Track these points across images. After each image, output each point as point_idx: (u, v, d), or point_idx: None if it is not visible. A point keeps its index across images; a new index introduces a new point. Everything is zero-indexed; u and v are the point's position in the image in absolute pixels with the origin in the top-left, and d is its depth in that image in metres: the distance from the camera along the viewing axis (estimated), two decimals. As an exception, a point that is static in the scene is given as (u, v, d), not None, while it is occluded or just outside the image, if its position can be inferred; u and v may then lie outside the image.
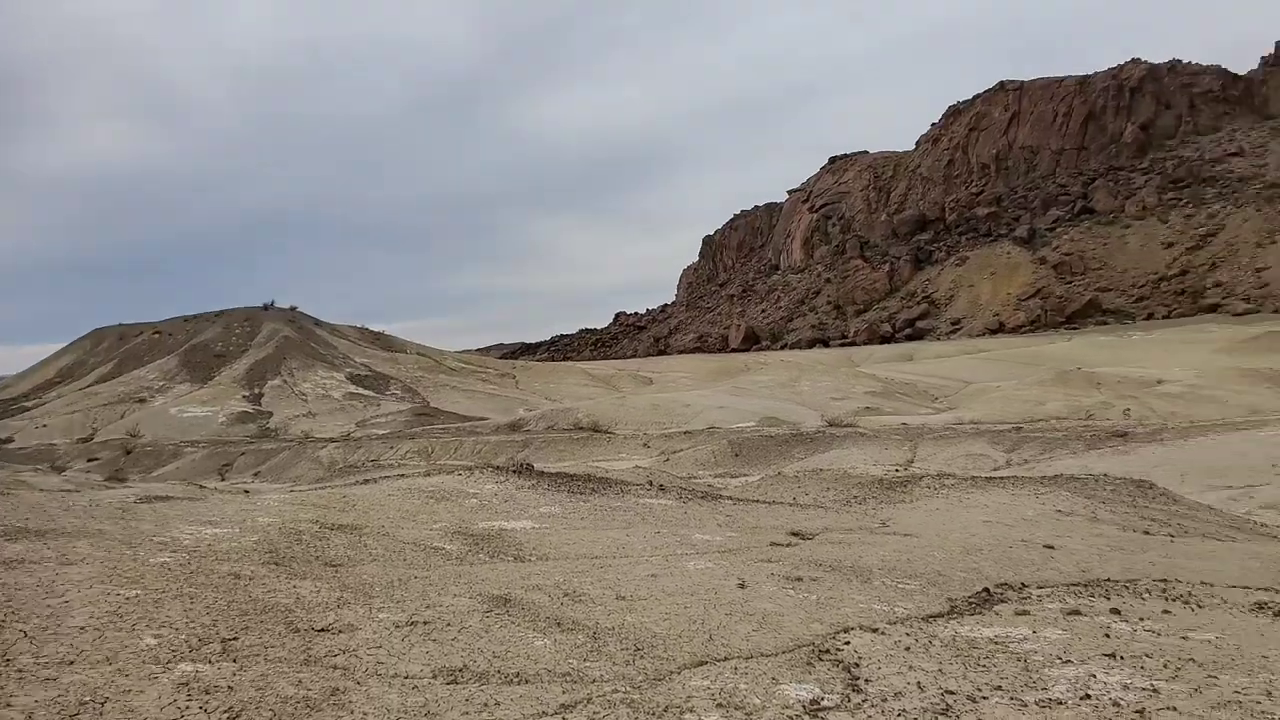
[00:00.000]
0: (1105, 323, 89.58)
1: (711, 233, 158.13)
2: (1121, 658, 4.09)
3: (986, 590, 6.13)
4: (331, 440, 35.77)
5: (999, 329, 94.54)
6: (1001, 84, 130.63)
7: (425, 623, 4.64)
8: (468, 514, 9.17)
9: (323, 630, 4.44)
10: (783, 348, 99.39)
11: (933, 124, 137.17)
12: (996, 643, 4.53)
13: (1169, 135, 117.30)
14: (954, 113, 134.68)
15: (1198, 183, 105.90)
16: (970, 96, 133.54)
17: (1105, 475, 11.95)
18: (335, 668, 3.92)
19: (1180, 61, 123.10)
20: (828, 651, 4.48)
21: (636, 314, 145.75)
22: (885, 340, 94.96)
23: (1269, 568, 7.74)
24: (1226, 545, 8.70)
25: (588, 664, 4.16)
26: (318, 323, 69.22)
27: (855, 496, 11.86)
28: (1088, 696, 3.50)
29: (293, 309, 68.62)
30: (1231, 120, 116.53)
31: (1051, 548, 7.85)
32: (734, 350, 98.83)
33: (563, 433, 30.60)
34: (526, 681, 3.88)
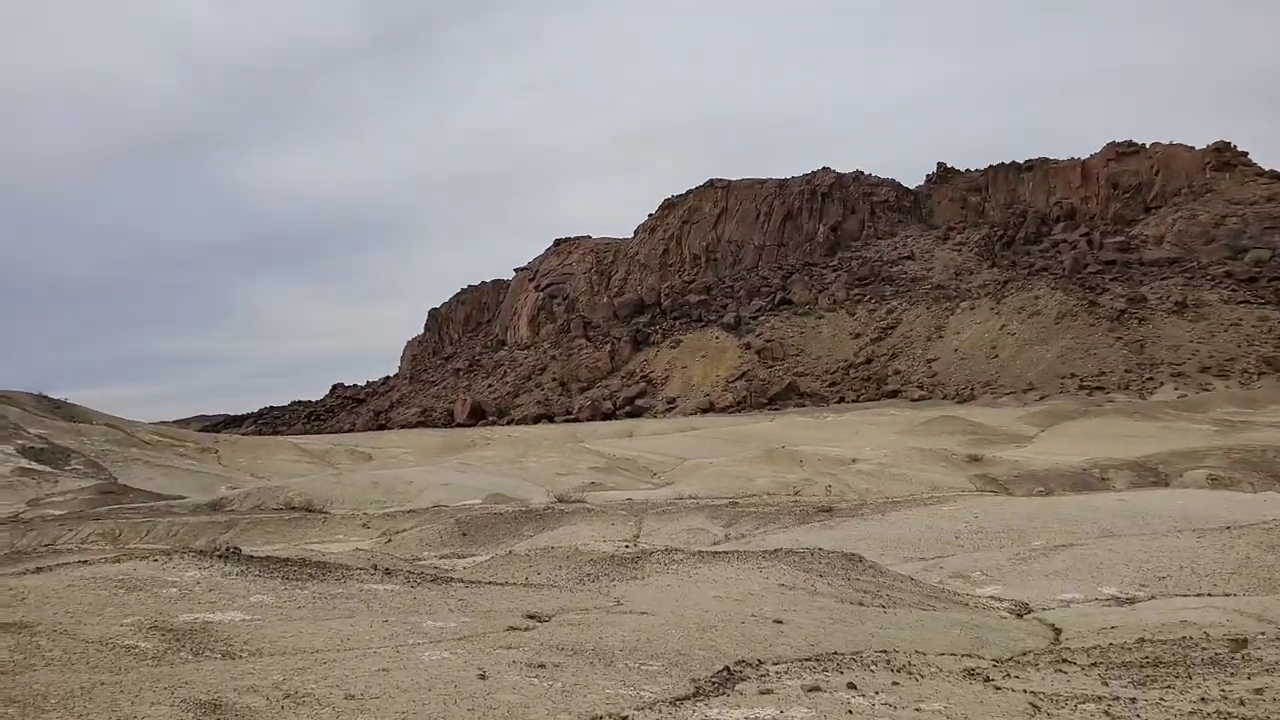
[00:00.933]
0: (803, 404, 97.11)
1: (438, 306, 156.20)
2: (867, 733, 4.19)
3: (727, 669, 6.17)
4: (-5, 523, 31.05)
5: (709, 408, 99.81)
6: (711, 181, 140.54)
7: (115, 743, 3.94)
8: (166, 605, 8.12)
9: (-22, 761, 3.64)
10: (509, 423, 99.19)
11: (650, 214, 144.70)
12: (747, 724, 4.51)
13: (854, 237, 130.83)
14: (669, 205, 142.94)
15: (879, 281, 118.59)
16: (684, 191, 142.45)
17: (819, 550, 12.66)
18: (-6, 809, 3.20)
19: (863, 173, 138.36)
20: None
21: (355, 386, 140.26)
22: (607, 417, 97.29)
23: (966, 634, 8.42)
24: (930, 614, 9.39)
25: (318, 779, 3.67)
26: (-19, 388, 60.57)
27: (588, 574, 11.76)
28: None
29: (-53, 371, 59.74)
30: (905, 227, 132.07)
31: (780, 622, 8.10)
32: (460, 425, 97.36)
33: (272, 513, 28.43)
34: (245, 807, 3.35)
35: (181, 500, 38.05)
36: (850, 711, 4.71)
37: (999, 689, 5.51)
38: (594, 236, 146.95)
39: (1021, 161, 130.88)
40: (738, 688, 5.61)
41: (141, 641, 6.37)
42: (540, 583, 11.50)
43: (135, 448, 59.23)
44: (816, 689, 5.29)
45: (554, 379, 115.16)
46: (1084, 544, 14.65)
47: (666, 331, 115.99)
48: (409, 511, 25.36)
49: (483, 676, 5.52)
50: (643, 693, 5.39)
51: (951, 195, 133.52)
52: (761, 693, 5.29)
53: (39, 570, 10.73)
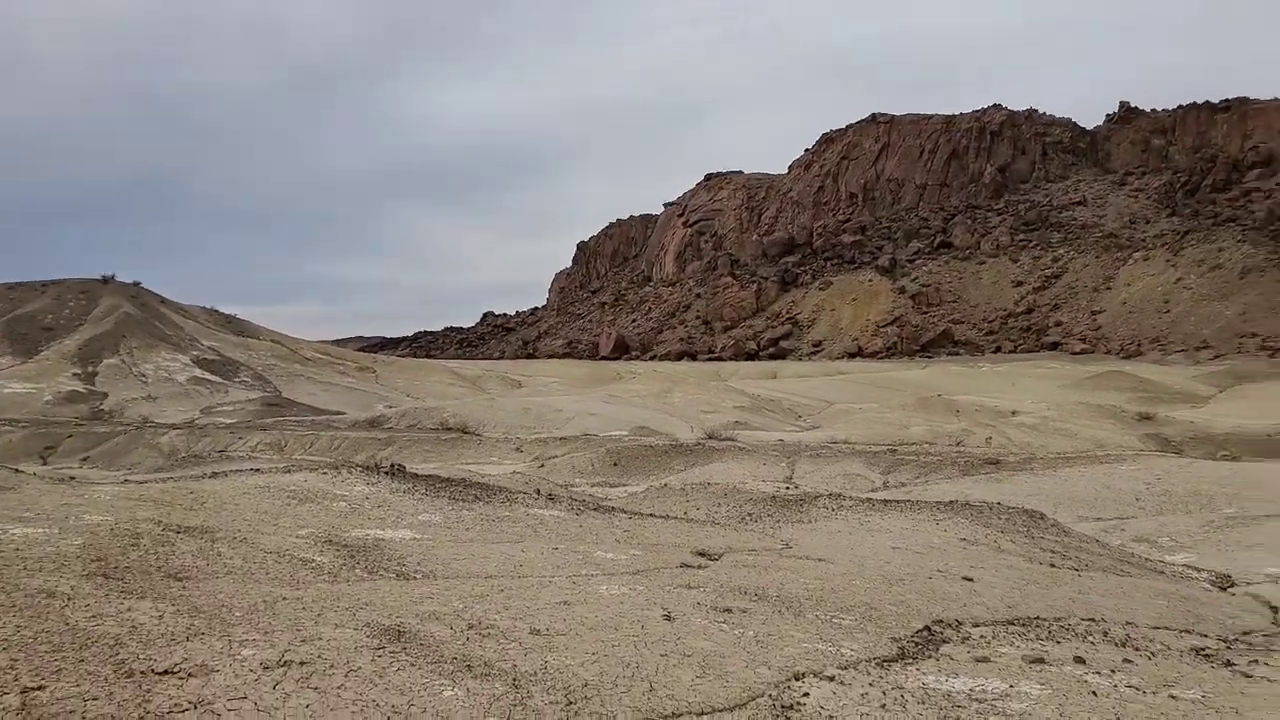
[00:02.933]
0: (957, 353, 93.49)
1: (587, 239, 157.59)
2: (1136, 727, 3.59)
3: (928, 629, 5.61)
4: (174, 426, 33.21)
5: (857, 353, 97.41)
6: (874, 116, 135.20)
7: (303, 663, 3.73)
8: (337, 519, 8.14)
9: (166, 673, 3.48)
10: (651, 358, 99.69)
11: (806, 149, 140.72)
12: (977, 699, 3.96)
13: (1023, 179, 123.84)
14: (826, 140, 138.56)
15: (1046, 227, 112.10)
16: (843, 126, 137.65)
17: (999, 504, 11.83)
18: (185, 727, 2.99)
19: (1037, 111, 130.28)
20: (791, 708, 3.81)
21: (505, 315, 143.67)
22: (750, 357, 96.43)
23: (1174, 606, 7.56)
24: (1128, 580, 8.53)
25: (513, 723, 3.36)
26: (163, 301, 64.79)
27: (749, 514, 11.33)
28: (1143, 786, 2.96)
29: (136, 284, 63.93)
30: (1078, 170, 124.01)
31: (970, 580, 7.45)
32: (604, 358, 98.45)
33: (428, 432, 29.26)
34: (440, 749, 3.05)
35: (341, 415, 39.79)
36: (1094, 693, 4.09)
37: (1249, 677, 4.76)
38: (746, 172, 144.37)
39: (1216, 101, 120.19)
40: (943, 650, 5.05)
41: (317, 555, 6.30)
42: (700, 518, 11.15)
43: (298, 364, 62.44)
44: (1041, 661, 4.68)
45: (698, 317, 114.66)
46: (1295, 517, 13.25)
47: (816, 272, 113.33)
48: (560, 439, 25.57)
49: (668, 618, 5.15)
50: (843, 649, 4.90)
51: (1133, 137, 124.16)
52: (977, 660, 4.72)
53: (215, 475, 11.08)
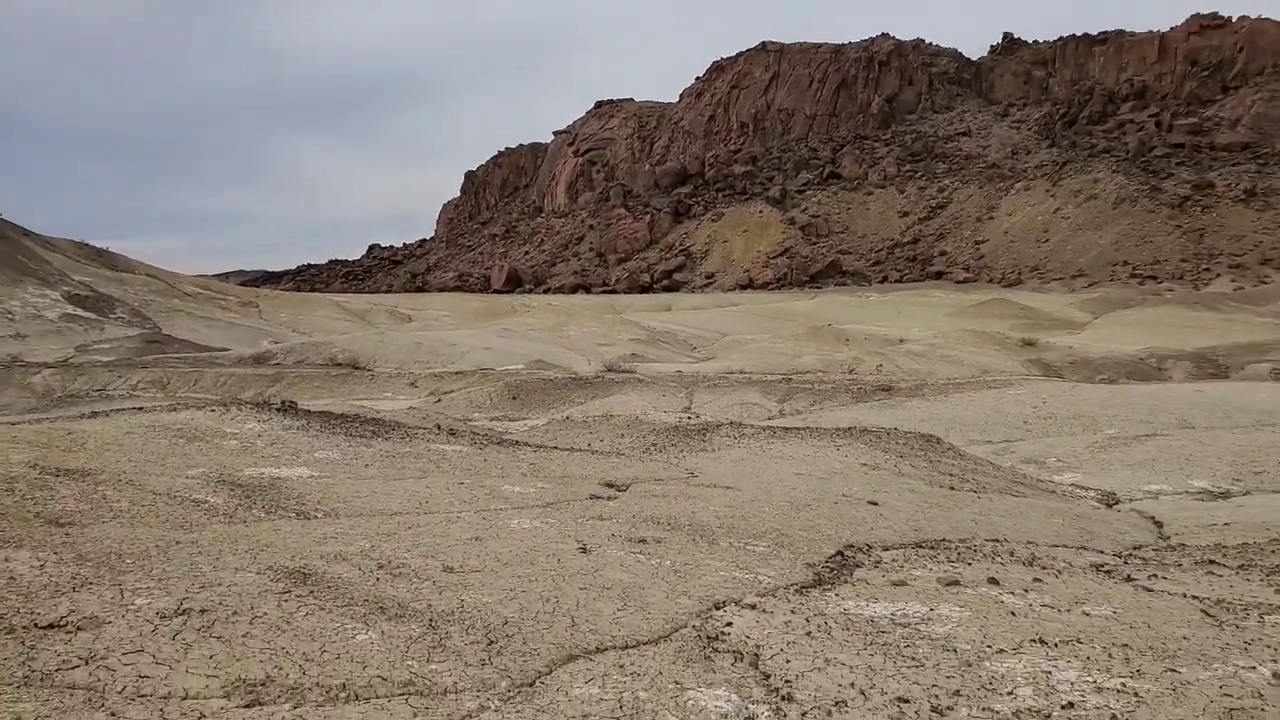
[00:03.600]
0: (845, 284, 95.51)
1: (474, 169, 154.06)
2: (1054, 644, 3.66)
3: (840, 554, 5.68)
4: (47, 365, 31.35)
5: (749, 284, 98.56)
6: (764, 44, 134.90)
7: (203, 611, 3.48)
8: (229, 458, 7.76)
9: (52, 627, 3.20)
10: (545, 291, 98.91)
11: (697, 78, 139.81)
12: (900, 624, 4.00)
13: (910, 110, 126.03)
14: (717, 69, 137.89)
15: (931, 158, 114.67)
16: (734, 54, 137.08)
17: (895, 429, 12.13)
18: (75, 687, 2.75)
19: (924, 41, 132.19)
20: (716, 639, 3.77)
21: (392, 248, 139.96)
22: (644, 290, 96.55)
23: (1069, 525, 7.89)
24: (1024, 501, 8.86)
25: (433, 666, 3.22)
26: (27, 233, 60.69)
27: (654, 444, 11.34)
28: (1070, 706, 3.00)
29: (-7, 214, 59.67)
30: (963, 101, 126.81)
31: (875, 504, 7.60)
32: (496, 291, 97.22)
33: (317, 368, 28.38)
34: (358, 698, 2.89)
35: (225, 352, 38.27)
36: (1012, 613, 4.18)
37: (1151, 591, 4.96)
38: (638, 100, 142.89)
39: (1095, 33, 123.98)
40: (858, 575, 5.12)
41: (211, 496, 5.97)
42: (604, 450, 11.09)
43: (177, 299, 59.67)
44: (955, 583, 4.77)
45: (591, 249, 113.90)
46: (1167, 434, 14.02)
47: (708, 203, 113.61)
48: (456, 373, 25.13)
49: (584, 550, 5.05)
50: (760, 577, 4.90)
51: (1015, 69, 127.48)
52: (894, 584, 4.78)
53: (95, 415, 10.45)
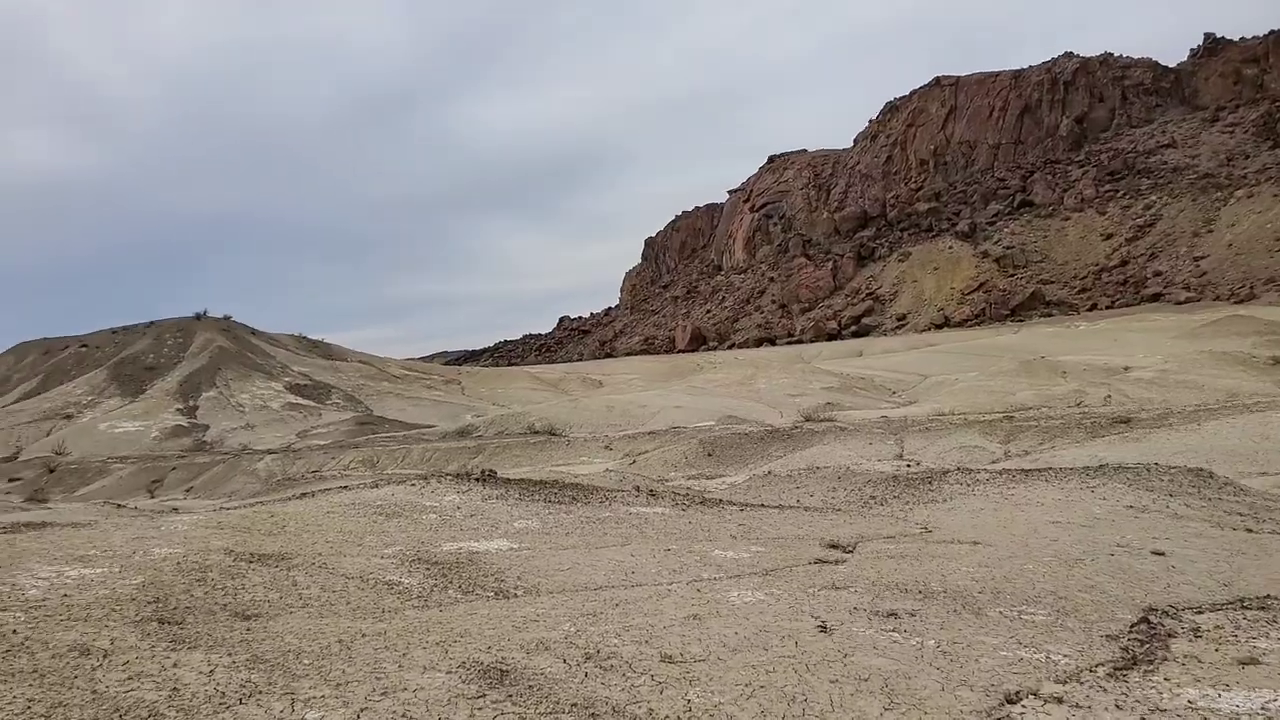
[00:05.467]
0: (1050, 314, 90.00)
1: (653, 234, 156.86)
2: None
3: (1146, 620, 4.54)
4: (270, 451, 33.39)
5: (944, 323, 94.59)
6: (937, 79, 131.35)
7: (381, 727, 2.89)
8: (427, 533, 7.38)
9: (210, 752, 2.67)
10: (730, 347, 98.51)
11: (870, 120, 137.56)
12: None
13: (1103, 128, 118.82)
14: (891, 109, 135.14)
15: (1133, 174, 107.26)
16: (907, 92, 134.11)
17: (1155, 465, 10.54)
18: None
19: (1112, 54, 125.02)
20: (1028, 749, 2.83)
21: (580, 318, 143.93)
22: (831, 338, 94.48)
23: None
24: (1344, 541, 7.26)
25: (662, 799, 2.45)
26: (254, 332, 66.14)
27: (872, 496, 10.28)
28: None
29: (227, 318, 65.52)
30: (1163, 112, 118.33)
31: (1161, 554, 6.32)
32: (681, 351, 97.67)
33: (516, 437, 28.72)
34: None
35: (431, 428, 39.70)
36: None
37: None
38: (810, 150, 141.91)
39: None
40: (1177, 648, 4.00)
41: (405, 576, 5.50)
42: (817, 506, 10.15)
43: (386, 382, 63.11)
44: (1331, 659, 3.59)
45: (773, 301, 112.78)
46: None
47: (893, 244, 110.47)
48: (649, 433, 24.72)
49: (824, 629, 4.20)
50: (1053, 656, 3.89)
51: (1222, 70, 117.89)
52: (1240, 663, 3.66)
53: (303, 496, 10.47)
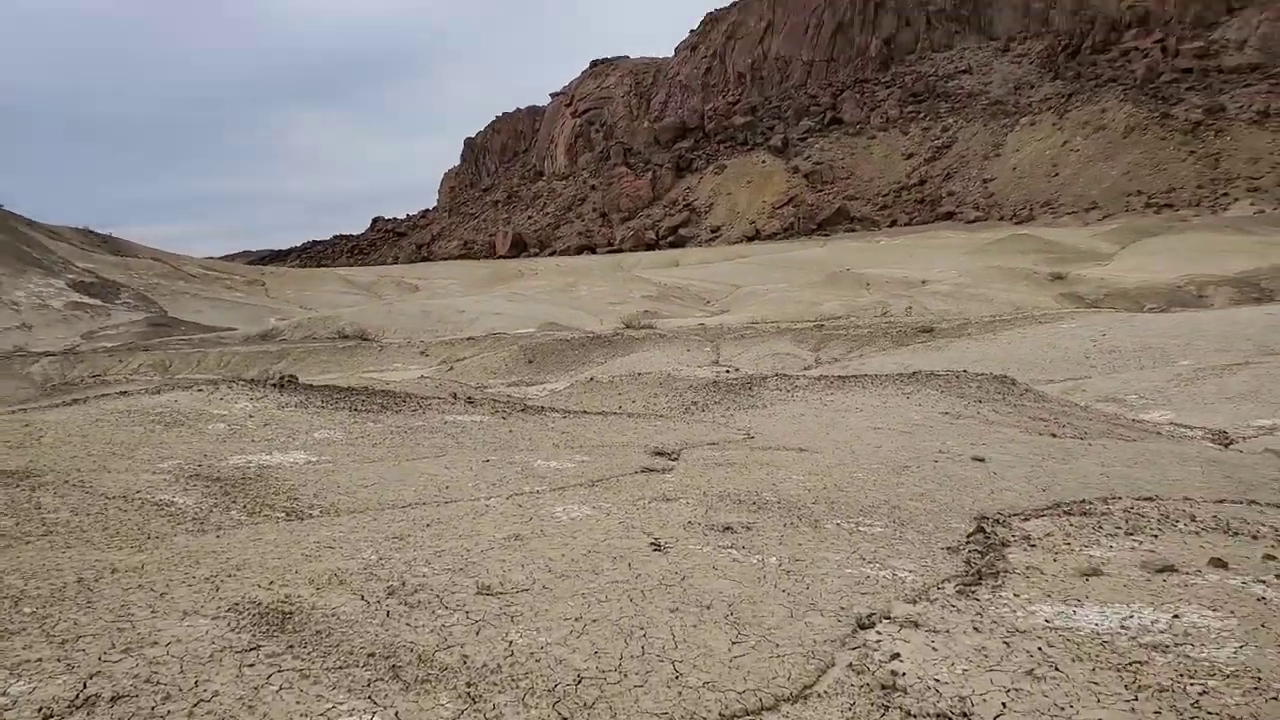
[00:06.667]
0: (853, 229, 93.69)
1: (473, 135, 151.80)
2: None
3: (981, 530, 4.43)
4: (49, 354, 30.24)
5: (755, 235, 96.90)
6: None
7: (115, 699, 2.27)
8: (212, 445, 6.55)
9: None
10: (551, 254, 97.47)
11: (691, 31, 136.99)
12: (1150, 644, 2.76)
13: (909, 50, 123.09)
14: (711, 20, 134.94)
15: (934, 97, 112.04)
16: (728, 4, 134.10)
17: (965, 372, 10.85)
18: None
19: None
20: (891, 689, 2.54)
21: (396, 219, 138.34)
22: (650, 247, 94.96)
23: (1212, 474, 6.59)
24: (1139, 447, 7.62)
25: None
26: (31, 224, 59.53)
27: (694, 402, 10.10)
28: None
29: (-2, 207, 58.52)
30: (962, 39, 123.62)
31: (982, 460, 6.36)
32: (502, 257, 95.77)
33: (324, 342, 27.22)
34: None
35: (231, 331, 37.17)
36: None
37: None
38: (632, 57, 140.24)
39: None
40: (1016, 558, 3.89)
41: (179, 496, 4.75)
42: (639, 411, 9.87)
43: (183, 281, 58.66)
44: (1170, 569, 3.53)
45: (595, 209, 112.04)
46: (1258, 362, 12.72)
47: (710, 156, 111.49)
48: (467, 339, 23.89)
49: (658, 548, 3.83)
50: (898, 572, 3.67)
51: (1014, 2, 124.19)
52: (1083, 574, 3.55)
53: (73, 403, 9.24)
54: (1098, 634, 2.84)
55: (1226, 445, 8.61)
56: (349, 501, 4.90)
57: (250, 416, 7.71)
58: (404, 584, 3.23)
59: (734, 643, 2.82)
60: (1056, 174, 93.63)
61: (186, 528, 4.22)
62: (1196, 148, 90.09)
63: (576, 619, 2.94)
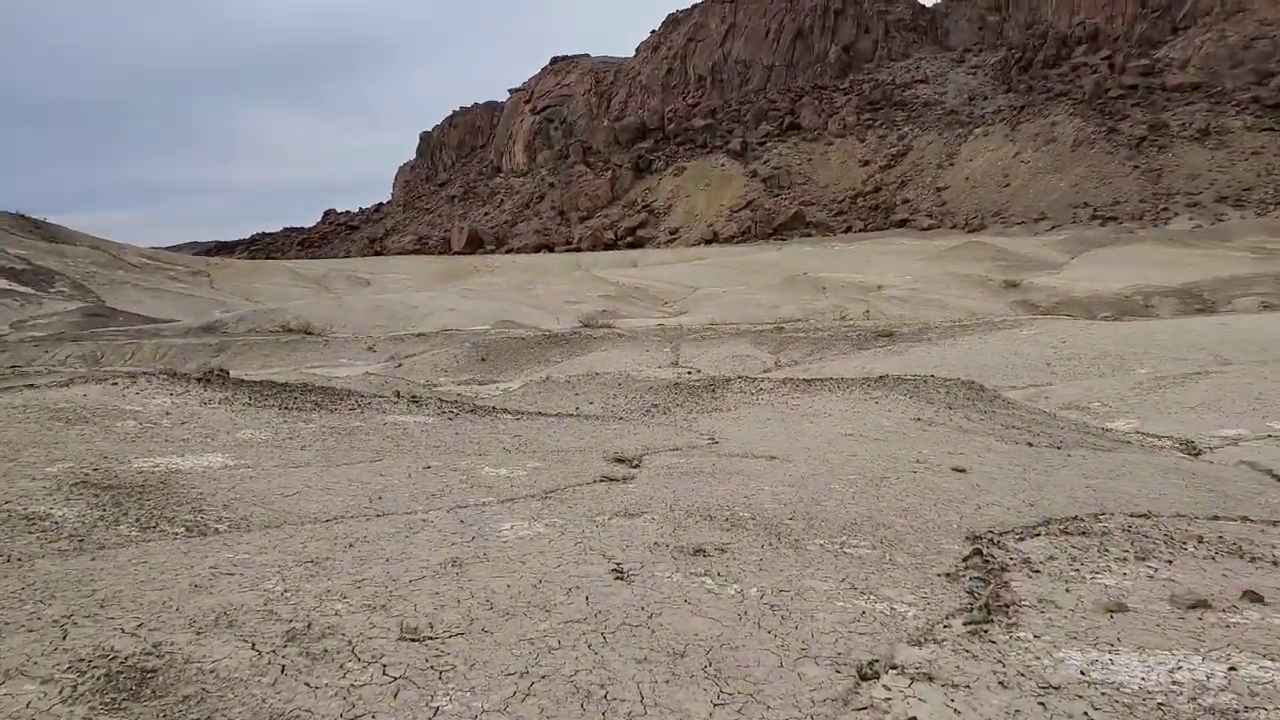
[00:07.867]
0: (809, 234, 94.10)
1: (430, 130, 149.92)
2: None
3: (978, 553, 3.95)
4: (-36, 345, 28.85)
5: (713, 238, 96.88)
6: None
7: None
8: (117, 445, 5.87)
9: None
10: (508, 252, 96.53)
11: (653, 31, 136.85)
12: (1210, 708, 2.27)
13: (867, 58, 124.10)
14: (673, 21, 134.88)
15: (890, 105, 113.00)
16: (689, 6, 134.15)
17: (932, 377, 10.45)
18: None
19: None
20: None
21: (348, 213, 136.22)
22: (609, 247, 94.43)
23: (1196, 488, 6.22)
24: (1117, 457, 7.24)
25: None
26: (-45, 207, 57.20)
27: (655, 405, 9.58)
28: None
29: (-86, 189, 56.30)
30: (919, 49, 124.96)
31: (962, 470, 5.91)
32: (457, 253, 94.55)
33: (267, 335, 26.22)
34: None
35: (172, 323, 35.90)
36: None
37: None
38: (593, 55, 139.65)
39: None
40: (1022, 588, 3.41)
41: (59, 507, 4.10)
42: (597, 414, 9.32)
43: (122, 270, 56.82)
44: (1203, 605, 3.07)
45: (553, 207, 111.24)
46: (1214, 372, 12.52)
47: (670, 158, 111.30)
48: (418, 335, 23.12)
49: (620, 576, 3.28)
50: (896, 606, 3.16)
51: (969, 15, 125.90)
52: (1108, 610, 3.07)
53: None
54: (1147, 692, 2.35)
55: (1195, 455, 8.31)
56: (264, 514, 4.28)
57: (167, 414, 7.02)
58: (309, 626, 2.64)
59: (716, 704, 2.29)
60: (1008, 184, 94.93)
61: (59, 547, 3.58)
62: (1140, 163, 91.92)
63: (522, 674, 2.38)
